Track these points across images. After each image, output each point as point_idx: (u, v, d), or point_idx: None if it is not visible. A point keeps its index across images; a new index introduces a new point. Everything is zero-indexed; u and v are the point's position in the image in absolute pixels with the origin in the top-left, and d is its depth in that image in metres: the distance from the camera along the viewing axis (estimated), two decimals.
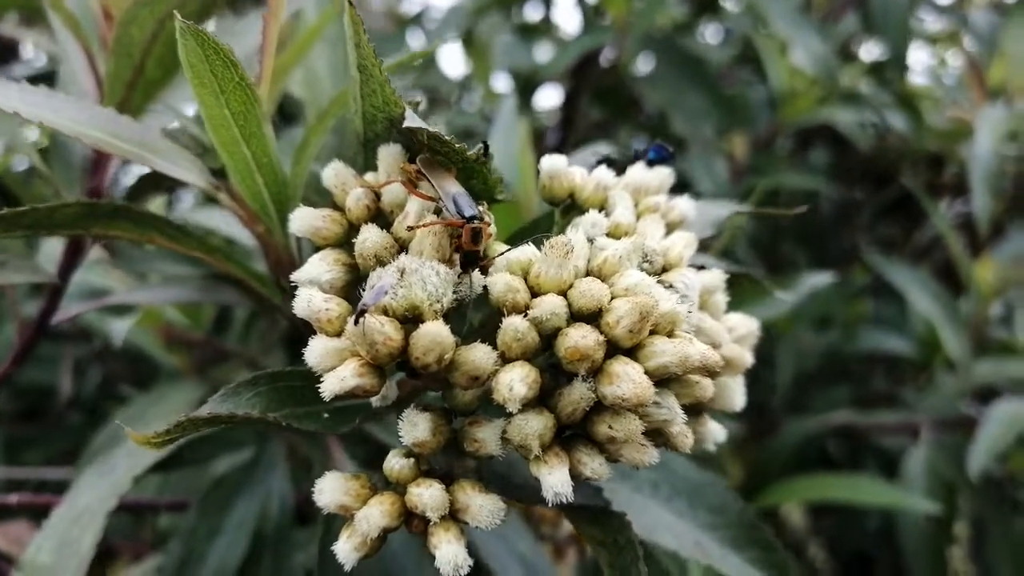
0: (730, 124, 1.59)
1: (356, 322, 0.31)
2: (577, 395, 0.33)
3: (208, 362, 1.10)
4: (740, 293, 0.47)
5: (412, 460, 0.35)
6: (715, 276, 0.42)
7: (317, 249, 0.39)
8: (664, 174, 0.45)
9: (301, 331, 0.79)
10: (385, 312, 0.33)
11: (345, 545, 0.34)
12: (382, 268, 0.34)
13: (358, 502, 0.34)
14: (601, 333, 0.33)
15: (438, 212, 0.37)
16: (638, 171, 0.44)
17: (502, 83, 1.65)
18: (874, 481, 1.53)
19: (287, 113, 0.98)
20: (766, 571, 0.54)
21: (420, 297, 0.32)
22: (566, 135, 1.62)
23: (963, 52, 1.96)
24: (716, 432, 0.43)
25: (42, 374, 1.30)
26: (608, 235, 0.39)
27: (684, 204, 0.46)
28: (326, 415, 0.39)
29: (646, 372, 0.33)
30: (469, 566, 0.33)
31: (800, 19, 1.40)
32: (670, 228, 0.45)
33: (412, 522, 0.35)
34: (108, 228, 0.45)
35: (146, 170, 0.62)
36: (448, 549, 0.33)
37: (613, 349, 0.34)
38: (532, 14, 1.82)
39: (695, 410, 0.44)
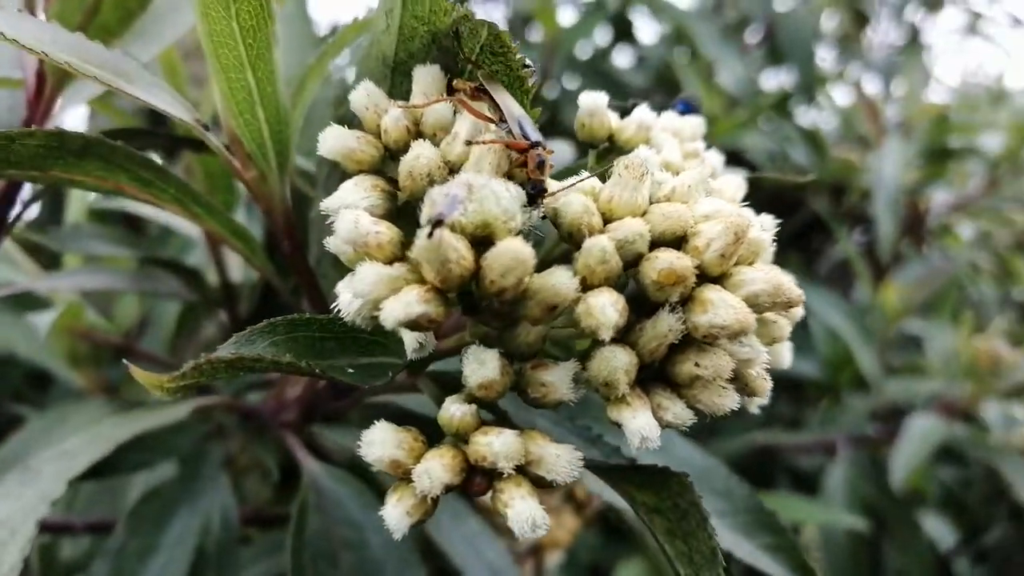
0: None
1: (430, 235, 0.27)
2: (665, 327, 0.30)
3: (120, 379, 1.00)
4: None
5: (473, 406, 0.30)
6: (767, 219, 0.39)
7: (345, 176, 0.34)
8: (697, 122, 0.43)
9: (239, 331, 0.73)
10: (452, 229, 0.28)
11: (395, 510, 0.29)
12: (441, 186, 0.30)
13: (412, 458, 0.29)
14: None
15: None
16: (672, 117, 0.42)
17: None
18: (799, 499, 1.55)
19: None
20: (778, 557, 0.52)
21: (494, 213, 0.28)
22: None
23: (858, 89, 2.07)
24: (767, 388, 0.40)
25: None
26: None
27: (714, 155, 0.44)
28: (350, 370, 0.34)
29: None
30: (544, 527, 0.29)
31: (724, 43, 1.44)
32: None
33: (474, 480, 0.30)
34: (71, 170, 0.39)
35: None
36: (523, 505, 0.28)
37: (701, 278, 0.30)
38: None
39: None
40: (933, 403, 1.54)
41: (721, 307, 0.29)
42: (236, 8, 0.34)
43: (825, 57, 2.17)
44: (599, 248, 0.29)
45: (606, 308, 0.28)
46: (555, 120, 1.83)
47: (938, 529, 1.71)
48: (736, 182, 0.38)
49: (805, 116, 1.98)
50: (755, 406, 0.41)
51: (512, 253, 0.28)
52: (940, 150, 1.83)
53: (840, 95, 2.33)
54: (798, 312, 0.40)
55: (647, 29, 1.82)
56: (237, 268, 0.77)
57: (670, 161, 0.37)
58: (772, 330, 0.33)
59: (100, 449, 0.56)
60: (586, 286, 0.29)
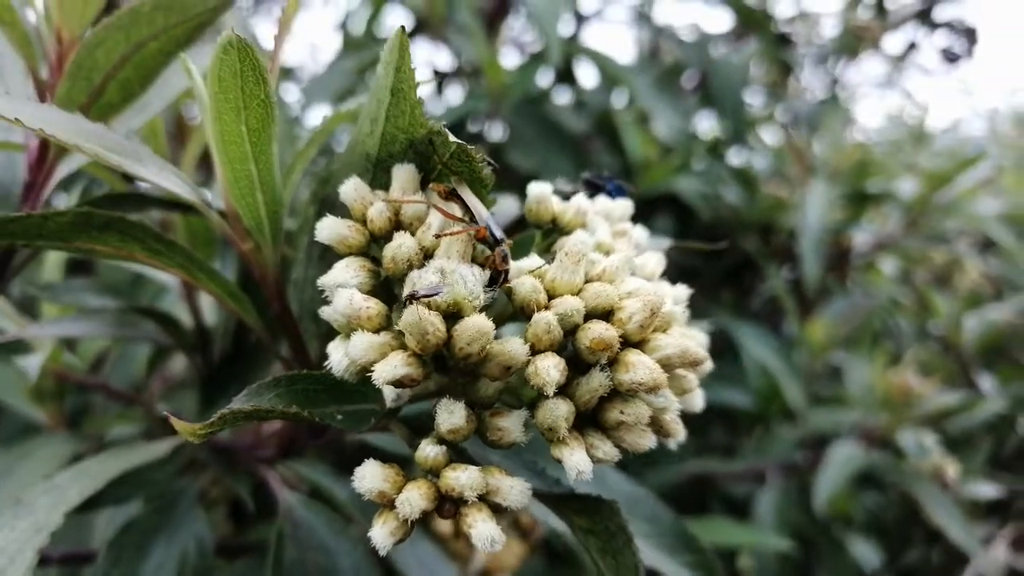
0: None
1: (406, 306, 0.34)
2: (596, 383, 0.37)
3: (79, 413, 1.04)
4: None
5: (444, 447, 0.37)
6: (681, 290, 0.48)
7: (339, 257, 0.41)
8: (626, 204, 0.51)
9: (215, 371, 0.78)
10: (429, 307, 0.36)
11: (381, 531, 0.36)
12: (419, 270, 0.37)
13: (395, 489, 0.37)
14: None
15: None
16: (604, 201, 0.50)
17: None
18: (731, 523, 1.64)
19: None
20: (698, 573, 0.60)
21: (462, 294, 0.36)
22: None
23: (786, 134, 2.21)
24: (681, 430, 0.48)
25: None
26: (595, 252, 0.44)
27: (639, 232, 0.52)
28: (340, 416, 0.41)
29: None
30: (500, 545, 0.36)
31: (660, 94, 1.55)
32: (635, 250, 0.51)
33: (444, 507, 0.37)
34: (94, 241, 0.45)
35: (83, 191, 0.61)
36: (484, 527, 0.36)
37: (624, 343, 0.38)
38: None
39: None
40: (854, 432, 1.66)
41: (640, 368, 0.37)
42: (246, 114, 0.41)
43: (754, 102, 2.31)
44: (545, 321, 0.37)
45: (550, 370, 0.36)
46: (499, 159, 1.91)
47: (864, 552, 1.81)
48: (656, 258, 0.46)
49: (737, 156, 2.11)
50: (674, 444, 0.49)
51: (477, 327, 0.35)
52: (860, 194, 1.96)
53: (770, 135, 2.48)
54: (706, 366, 0.48)
55: (588, 73, 1.92)
56: (210, 311, 0.83)
57: (602, 241, 0.45)
58: (682, 383, 0.41)
59: (91, 484, 0.62)
60: (535, 351, 0.37)
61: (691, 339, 0.45)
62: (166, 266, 0.48)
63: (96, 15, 0.57)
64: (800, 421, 1.76)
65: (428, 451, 0.37)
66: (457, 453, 0.43)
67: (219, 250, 0.78)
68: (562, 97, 1.84)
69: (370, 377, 0.36)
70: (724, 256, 2.23)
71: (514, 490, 0.37)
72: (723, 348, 1.91)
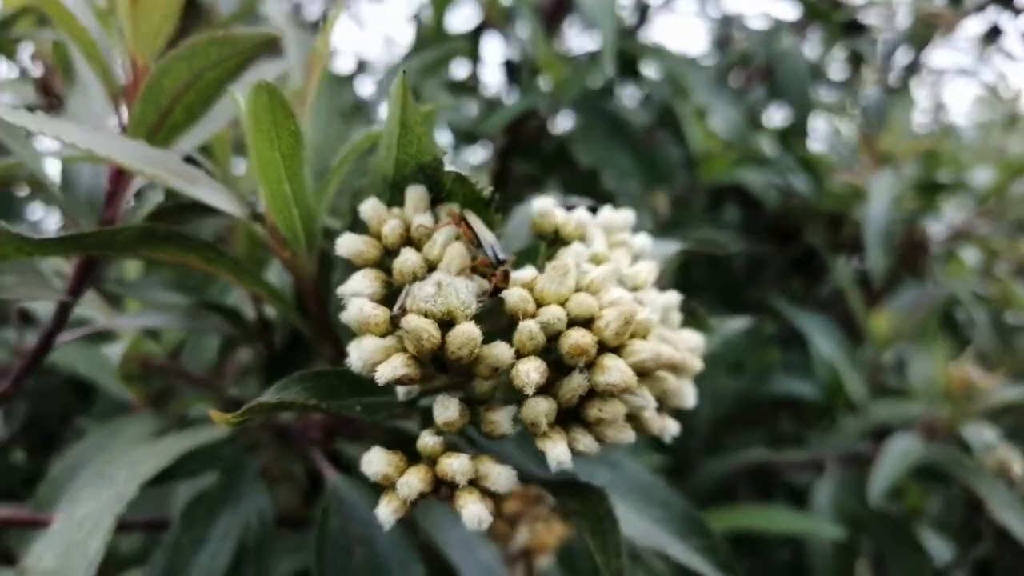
0: (653, 182, 1.73)
1: (395, 319, 0.40)
2: (575, 383, 0.42)
3: (163, 395, 1.14)
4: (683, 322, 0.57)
5: (441, 438, 0.43)
6: (672, 297, 0.52)
7: (354, 268, 0.47)
8: (627, 215, 0.55)
9: (274, 360, 0.86)
10: (425, 316, 0.41)
11: (385, 509, 0.42)
12: (420, 282, 0.43)
13: (397, 472, 0.42)
14: (594, 335, 0.42)
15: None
16: (607, 213, 0.55)
17: (442, 138, 1.75)
18: (786, 511, 1.65)
19: None
20: (707, 556, 0.64)
21: (455, 304, 0.41)
22: (497, 189, 1.72)
23: (855, 123, 2.18)
24: (672, 426, 0.53)
25: None
26: (589, 262, 0.49)
27: (642, 239, 0.56)
28: (358, 408, 0.47)
29: (628, 366, 0.42)
30: (488, 522, 0.42)
31: (716, 89, 1.56)
32: (633, 259, 0.56)
33: (440, 490, 0.43)
34: (157, 251, 0.52)
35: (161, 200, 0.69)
36: (473, 507, 0.41)
37: (602, 348, 0.43)
38: (459, 72, 1.94)
39: (658, 406, 0.54)
40: (916, 424, 1.65)
41: (614, 371, 0.42)
42: (279, 143, 0.48)
43: (823, 92, 2.28)
44: (528, 328, 0.42)
45: (530, 372, 0.41)
46: (563, 154, 1.96)
47: (936, 546, 1.80)
48: (649, 267, 0.51)
49: (806, 147, 2.09)
50: (668, 437, 0.53)
51: (466, 333, 0.41)
52: (931, 183, 1.93)
53: (841, 126, 2.44)
54: (694, 367, 0.52)
55: (651, 65, 1.94)
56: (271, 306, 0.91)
57: (597, 252, 0.50)
58: (661, 383, 0.46)
59: (164, 459, 0.70)
60: (520, 354, 0.42)
61: (676, 344, 0.49)
62: (218, 270, 0.55)
63: (165, 45, 0.65)
64: (862, 413, 1.75)
65: (427, 440, 0.43)
66: (467, 442, 0.49)
67: None
68: (625, 90, 1.87)
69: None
70: (792, 245, 2.22)
71: (501, 476, 0.42)
72: (792, 339, 1.91)
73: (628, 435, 0.45)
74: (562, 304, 0.44)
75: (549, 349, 0.44)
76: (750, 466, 1.82)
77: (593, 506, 0.48)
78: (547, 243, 0.53)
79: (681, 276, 1.99)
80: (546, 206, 0.52)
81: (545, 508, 1.00)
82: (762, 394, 2.01)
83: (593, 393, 0.43)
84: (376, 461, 0.42)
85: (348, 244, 0.47)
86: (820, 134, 2.35)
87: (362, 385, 0.47)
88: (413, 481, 0.42)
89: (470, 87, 1.92)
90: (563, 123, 1.71)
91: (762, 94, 1.94)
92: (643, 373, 0.44)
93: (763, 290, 2.24)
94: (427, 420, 0.47)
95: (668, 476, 1.67)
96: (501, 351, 0.42)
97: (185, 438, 0.74)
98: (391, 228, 0.46)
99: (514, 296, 0.43)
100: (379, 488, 0.69)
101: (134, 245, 0.51)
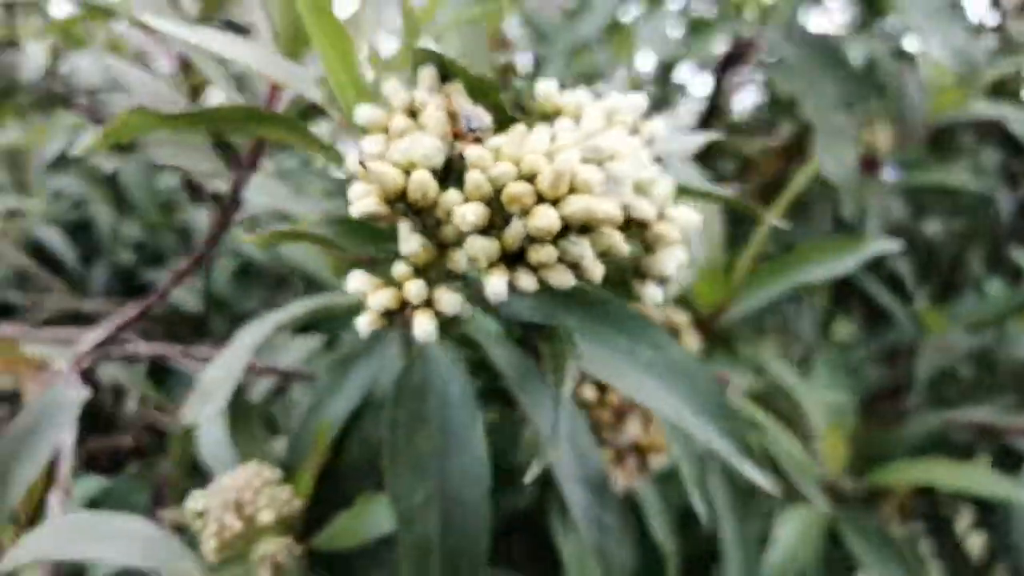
0: (870, 114, 1.64)
1: (362, 165, 0.50)
2: (515, 228, 0.50)
3: None
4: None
5: (411, 268, 0.53)
6: (654, 172, 0.57)
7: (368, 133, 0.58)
8: (638, 100, 0.60)
9: None
10: (393, 165, 0.51)
11: (363, 320, 0.53)
12: (402, 140, 0.53)
13: (372, 291, 0.53)
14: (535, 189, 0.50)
15: (453, 115, 0.55)
16: (615, 97, 0.60)
17: (645, 63, 1.79)
18: (991, 473, 1.54)
19: None
20: (729, 438, 0.68)
21: (417, 156, 0.51)
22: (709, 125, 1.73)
23: None
24: (654, 294, 0.58)
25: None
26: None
27: (657, 124, 0.61)
28: (373, 250, 0.58)
29: (561, 216, 0.49)
30: (434, 337, 0.51)
31: (939, 9, 1.43)
32: (646, 143, 0.61)
33: (406, 308, 0.53)
34: (260, 127, 0.67)
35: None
36: (423, 322, 0.51)
37: (541, 200, 0.50)
38: None
39: (639, 274, 0.60)
40: None
41: (543, 217, 0.49)
42: (332, 42, 0.59)
43: None
44: (474, 179, 0.50)
45: (467, 214, 0.49)
46: (772, 95, 1.90)
47: None
48: (631, 143, 0.56)
49: None
50: (650, 301, 0.59)
51: (421, 179, 0.50)
52: None
53: None
54: (672, 235, 0.57)
55: None
56: None
57: (585, 130, 0.56)
58: (604, 239, 0.52)
59: (300, 310, 0.87)
60: (467, 200, 0.51)
61: (650, 211, 0.55)
62: (310, 148, 0.69)
63: None
64: None
65: (399, 268, 0.53)
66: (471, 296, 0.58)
67: None
68: (838, 17, 1.77)
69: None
70: None
71: (448, 300, 0.52)
72: None
73: (567, 279, 0.51)
74: (516, 164, 0.51)
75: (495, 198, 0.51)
76: (969, 425, 1.70)
77: (555, 344, 0.56)
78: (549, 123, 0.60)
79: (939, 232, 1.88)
80: (549, 88, 0.59)
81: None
82: (1003, 356, 1.86)
83: (534, 240, 0.51)
84: (356, 281, 0.54)
85: (365, 113, 0.57)
86: None
87: (373, 232, 0.58)
88: (383, 297, 0.52)
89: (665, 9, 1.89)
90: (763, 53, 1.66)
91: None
92: (585, 227, 0.51)
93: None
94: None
95: (863, 419, 1.61)
96: (451, 197, 0.51)
97: (322, 299, 0.90)
98: (399, 100, 0.57)
99: (473, 154, 0.52)
100: (460, 346, 0.81)
101: (243, 122, 0.66)
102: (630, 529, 0.92)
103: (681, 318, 1.01)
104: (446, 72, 0.58)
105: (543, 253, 0.50)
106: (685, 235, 0.59)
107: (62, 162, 1.85)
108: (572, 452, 0.89)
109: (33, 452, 0.83)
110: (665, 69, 1.71)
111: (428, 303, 0.52)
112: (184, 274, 0.94)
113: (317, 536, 0.87)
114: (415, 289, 0.52)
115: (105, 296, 1.74)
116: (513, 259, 0.52)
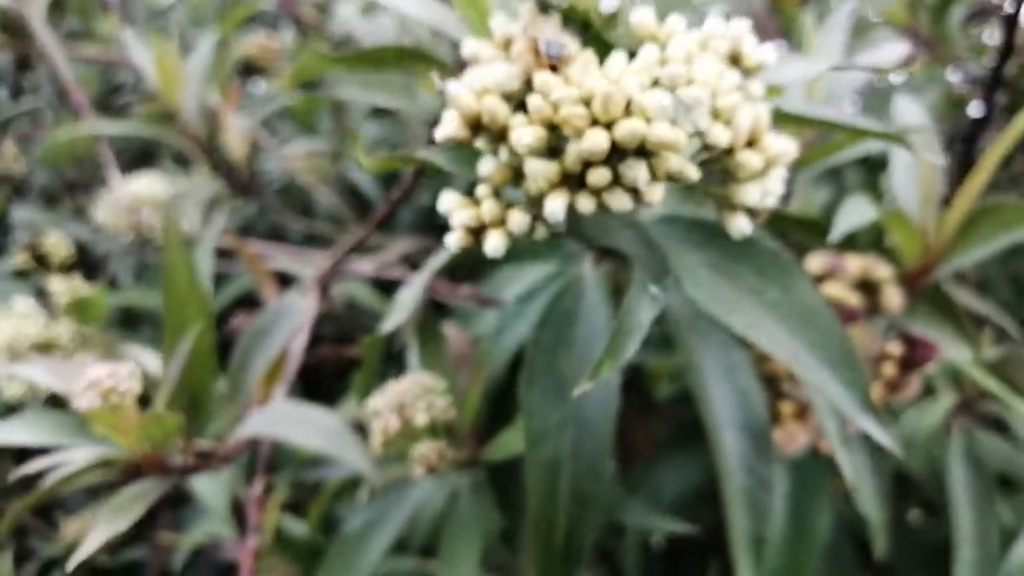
0: None
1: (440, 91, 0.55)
2: (575, 150, 0.53)
3: None
4: None
5: (490, 188, 0.58)
6: (735, 100, 0.55)
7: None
8: (739, 25, 0.59)
9: None
10: (473, 92, 0.56)
11: (452, 237, 0.59)
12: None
13: (458, 209, 0.59)
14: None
15: (535, 44, 0.58)
16: (712, 22, 0.59)
17: None
18: None
19: None
20: (848, 388, 0.65)
21: (491, 84, 0.55)
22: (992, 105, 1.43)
23: None
24: (741, 223, 0.57)
25: None
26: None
27: (765, 51, 0.59)
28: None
29: (613, 139, 0.51)
30: (500, 253, 0.56)
31: None
32: (747, 72, 0.60)
33: (484, 229, 0.58)
34: (411, 62, 0.75)
35: None
36: (493, 239, 0.56)
37: (595, 124, 0.52)
38: None
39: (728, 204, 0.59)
40: None
41: (594, 139, 0.51)
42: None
43: None
44: (535, 103, 0.53)
45: (522, 136, 0.53)
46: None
47: None
48: (717, 69, 0.55)
49: None
50: (735, 231, 0.58)
51: (491, 104, 0.54)
52: None
53: None
54: (754, 165, 0.55)
55: None
56: None
57: (668, 56, 0.57)
58: (664, 163, 0.52)
59: None
60: (530, 124, 0.54)
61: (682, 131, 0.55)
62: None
63: None
64: None
65: (480, 190, 0.58)
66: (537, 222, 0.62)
67: None
68: None
69: None
70: None
71: (516, 222, 0.56)
72: None
73: (624, 202, 0.53)
74: (578, 89, 0.54)
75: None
76: None
77: (629, 272, 0.57)
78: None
79: None
80: (644, 16, 0.59)
81: None
82: None
83: (593, 164, 0.53)
84: (447, 200, 0.60)
85: (470, 46, 0.63)
86: None
87: (471, 156, 0.64)
88: (465, 216, 0.58)
89: None
90: None
91: None
92: (642, 151, 0.52)
93: None
94: None
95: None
96: (517, 120, 0.54)
97: None
98: (500, 33, 0.61)
99: (539, 80, 0.55)
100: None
101: (397, 59, 0.75)
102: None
103: (883, 271, 0.94)
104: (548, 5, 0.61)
105: (597, 175, 0.52)
106: (779, 165, 0.57)
107: (378, 112, 2.08)
108: (729, 388, 0.88)
109: (266, 349, 1.00)
110: None
111: (502, 222, 0.57)
112: (395, 204, 1.06)
113: (487, 447, 0.96)
114: (488, 209, 0.57)
115: (408, 234, 1.96)
116: (575, 182, 0.55)
